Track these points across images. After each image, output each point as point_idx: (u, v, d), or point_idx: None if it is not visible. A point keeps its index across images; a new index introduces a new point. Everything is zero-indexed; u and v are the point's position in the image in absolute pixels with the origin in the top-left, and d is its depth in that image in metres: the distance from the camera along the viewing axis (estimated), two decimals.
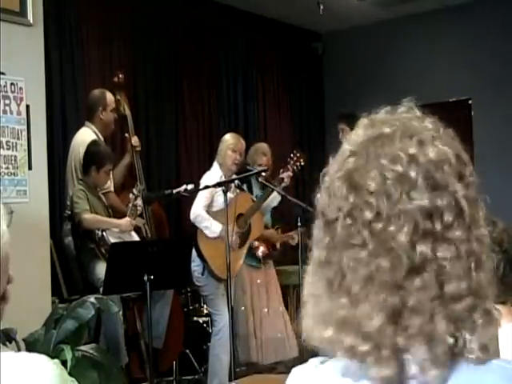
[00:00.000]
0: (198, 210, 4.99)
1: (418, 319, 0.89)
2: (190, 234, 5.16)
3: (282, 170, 5.41)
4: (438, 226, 0.90)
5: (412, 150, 0.92)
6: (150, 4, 6.39)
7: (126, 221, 4.67)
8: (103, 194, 4.89)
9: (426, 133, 0.95)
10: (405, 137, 0.94)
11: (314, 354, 1.00)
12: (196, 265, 5.00)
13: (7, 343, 3.26)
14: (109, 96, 5.08)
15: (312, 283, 0.97)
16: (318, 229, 0.98)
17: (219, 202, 5.00)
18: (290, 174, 5.40)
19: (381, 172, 0.91)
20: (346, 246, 0.92)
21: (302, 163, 5.53)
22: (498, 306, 1.96)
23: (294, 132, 8.10)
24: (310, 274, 0.98)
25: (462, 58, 7.41)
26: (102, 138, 5.00)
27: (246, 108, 7.45)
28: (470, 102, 7.41)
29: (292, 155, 5.52)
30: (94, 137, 4.89)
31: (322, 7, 6.91)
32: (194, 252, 4.89)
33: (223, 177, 5.10)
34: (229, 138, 5.28)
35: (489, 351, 0.93)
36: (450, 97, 7.44)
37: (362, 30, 7.97)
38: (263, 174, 5.24)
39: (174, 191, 4.98)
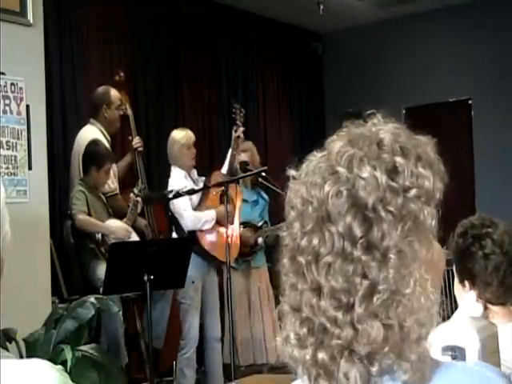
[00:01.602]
0: (190, 216, 4.90)
1: (311, 345, 0.93)
2: (189, 234, 5.14)
3: (234, 129, 5.28)
4: (347, 244, 0.92)
5: (339, 168, 0.95)
6: (149, 4, 6.38)
7: (121, 229, 4.64)
8: (110, 196, 4.88)
9: (367, 148, 0.95)
10: (339, 155, 0.96)
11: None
12: None
13: (7, 343, 3.26)
14: (113, 93, 5.04)
15: None
16: None
17: (193, 198, 4.98)
18: (242, 128, 5.30)
19: (306, 189, 0.97)
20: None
21: (244, 112, 5.44)
22: (497, 308, 1.97)
23: (294, 132, 8.10)
24: None
25: (462, 58, 7.41)
26: (107, 136, 4.98)
27: (246, 108, 7.42)
28: (469, 102, 7.41)
29: (234, 110, 5.37)
30: (96, 135, 4.87)
31: (322, 7, 6.92)
32: None
33: (187, 175, 5.05)
34: (179, 137, 5.14)
35: (415, 373, 0.92)
36: (450, 97, 7.43)
37: (362, 30, 7.96)
38: (263, 173, 5.22)
39: (174, 191, 4.97)
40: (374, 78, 7.81)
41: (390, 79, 7.71)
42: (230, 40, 7.29)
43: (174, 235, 4.98)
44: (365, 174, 0.93)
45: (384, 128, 0.99)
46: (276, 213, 6.07)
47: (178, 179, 4.98)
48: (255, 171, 5.26)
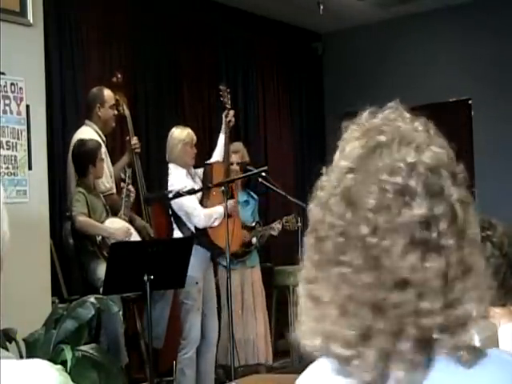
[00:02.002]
0: (201, 214, 4.90)
1: (384, 337, 0.91)
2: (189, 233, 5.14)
3: (225, 113, 5.22)
4: (434, 235, 0.91)
5: (410, 159, 0.93)
6: (149, 4, 6.38)
7: (121, 231, 4.64)
8: (106, 195, 4.89)
9: (421, 137, 0.96)
10: (402, 145, 0.95)
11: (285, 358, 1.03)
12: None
13: (7, 343, 3.26)
14: (107, 92, 5.04)
15: (302, 297, 1.00)
16: (308, 245, 0.99)
17: (197, 194, 4.99)
18: (233, 111, 5.27)
19: (380, 187, 0.92)
20: (334, 264, 0.94)
21: (229, 93, 5.36)
22: (498, 309, 1.97)
23: (294, 132, 8.10)
24: (300, 288, 1.01)
25: (462, 58, 7.41)
26: (103, 136, 4.99)
27: (246, 108, 7.45)
28: (469, 102, 7.41)
29: (221, 92, 5.30)
30: (91, 135, 4.87)
31: (322, 7, 6.92)
32: None
33: (187, 173, 5.05)
34: (182, 136, 5.11)
35: (471, 350, 0.94)
36: (450, 97, 7.44)
37: (362, 29, 7.96)
38: (263, 173, 5.22)
39: (174, 191, 4.98)
40: (374, 78, 7.80)
41: (390, 79, 7.70)
42: (230, 40, 7.29)
43: (176, 234, 4.97)
44: (435, 162, 0.94)
45: (411, 117, 1.01)
46: (274, 212, 6.10)
47: (180, 178, 4.98)
48: (255, 171, 5.26)
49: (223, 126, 5.25)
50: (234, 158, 5.51)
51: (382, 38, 7.88)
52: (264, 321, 5.60)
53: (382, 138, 0.96)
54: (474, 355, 0.93)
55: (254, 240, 5.61)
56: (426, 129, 0.98)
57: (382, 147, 0.95)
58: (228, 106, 5.25)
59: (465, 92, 7.36)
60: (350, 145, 0.99)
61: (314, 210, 0.99)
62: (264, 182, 5.24)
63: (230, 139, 5.37)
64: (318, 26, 8.00)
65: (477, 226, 0.97)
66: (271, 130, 7.77)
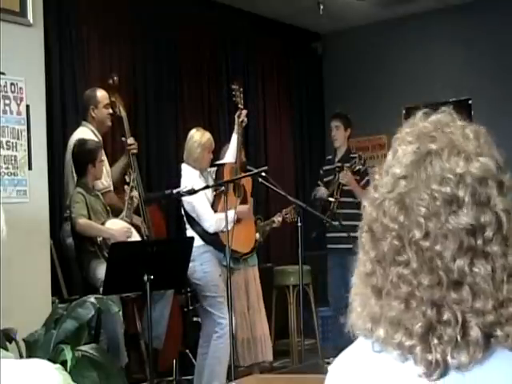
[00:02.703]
0: (212, 219, 4.91)
1: (450, 330, 0.96)
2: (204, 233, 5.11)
3: (238, 113, 5.24)
4: (479, 242, 0.96)
5: (459, 169, 0.97)
6: (149, 4, 6.38)
7: (121, 232, 4.64)
8: (103, 193, 4.89)
9: (471, 145, 1.00)
10: (452, 154, 0.99)
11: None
12: (199, 264, 4.91)
13: (7, 343, 3.26)
14: (100, 93, 5.05)
15: (358, 286, 1.07)
16: (365, 240, 1.05)
17: (209, 197, 5.03)
18: (245, 111, 5.28)
19: (430, 195, 0.97)
20: (391, 263, 1.00)
21: (242, 91, 5.38)
22: None
23: (294, 132, 8.10)
24: (357, 277, 1.07)
25: (462, 58, 7.41)
26: (99, 136, 5.00)
27: (246, 108, 7.43)
28: (469, 102, 7.40)
29: (233, 92, 5.30)
30: (89, 135, 4.88)
31: (322, 7, 6.93)
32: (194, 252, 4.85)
33: (200, 175, 5.07)
34: (204, 140, 5.10)
35: None
36: (450, 97, 7.43)
37: (362, 29, 7.96)
38: (263, 174, 5.22)
39: (174, 191, 4.98)
40: (373, 78, 7.80)
41: (389, 79, 7.71)
42: (230, 40, 7.29)
43: (189, 234, 4.98)
44: (483, 173, 0.98)
45: (463, 124, 1.05)
46: (274, 212, 6.11)
47: (192, 179, 5.00)
48: (255, 171, 5.26)
49: (236, 127, 5.27)
50: None
51: (381, 38, 7.87)
52: (266, 319, 5.62)
53: (433, 146, 1.00)
54: None
55: (258, 235, 5.63)
56: (476, 136, 1.02)
57: (432, 155, 1.00)
58: (241, 106, 5.27)
59: (465, 92, 7.36)
60: (402, 148, 1.03)
61: (368, 208, 1.05)
62: (264, 182, 5.24)
63: (243, 139, 5.40)
64: (317, 26, 8.00)
65: None
66: (271, 129, 7.77)
